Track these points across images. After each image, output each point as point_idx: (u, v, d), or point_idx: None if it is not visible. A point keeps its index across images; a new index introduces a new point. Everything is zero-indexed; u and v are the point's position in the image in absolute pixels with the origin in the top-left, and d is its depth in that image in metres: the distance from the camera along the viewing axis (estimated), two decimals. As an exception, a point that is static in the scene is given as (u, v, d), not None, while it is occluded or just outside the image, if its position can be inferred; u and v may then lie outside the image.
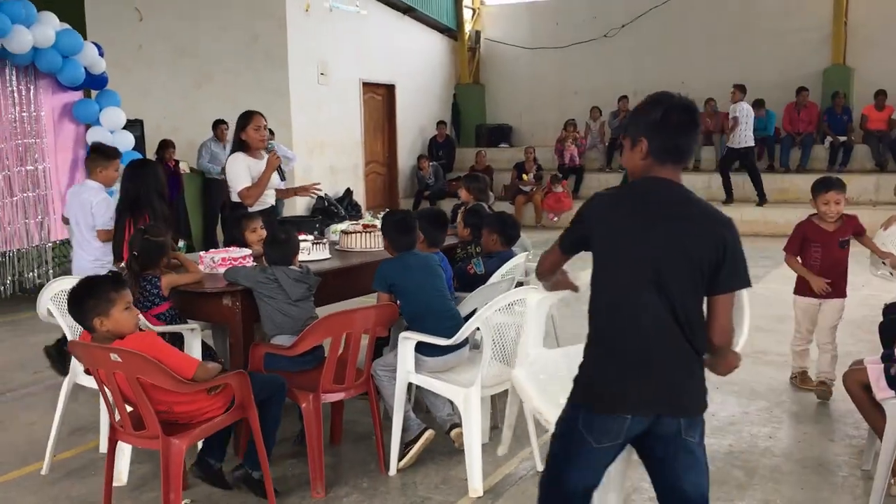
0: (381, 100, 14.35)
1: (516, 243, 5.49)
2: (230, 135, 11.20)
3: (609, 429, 2.28)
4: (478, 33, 16.53)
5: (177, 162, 10.15)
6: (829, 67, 13.73)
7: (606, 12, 15.19)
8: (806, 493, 3.71)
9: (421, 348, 3.91)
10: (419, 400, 4.33)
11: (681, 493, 2.36)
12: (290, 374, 3.78)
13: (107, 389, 3.15)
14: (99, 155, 5.32)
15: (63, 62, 7.12)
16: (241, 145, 5.30)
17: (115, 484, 3.61)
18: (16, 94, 7.09)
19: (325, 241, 4.83)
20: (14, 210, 7.27)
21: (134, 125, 8.94)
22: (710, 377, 2.42)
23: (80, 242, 5.15)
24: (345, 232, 5.16)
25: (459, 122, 16.51)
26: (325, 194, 12.43)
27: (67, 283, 3.77)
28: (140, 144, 9.09)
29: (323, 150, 12.59)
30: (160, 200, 4.57)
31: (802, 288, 5.03)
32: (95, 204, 5.08)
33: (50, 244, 7.49)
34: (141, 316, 3.76)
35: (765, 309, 7.34)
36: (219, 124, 10.97)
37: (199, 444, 3.59)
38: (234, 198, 5.32)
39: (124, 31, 11.72)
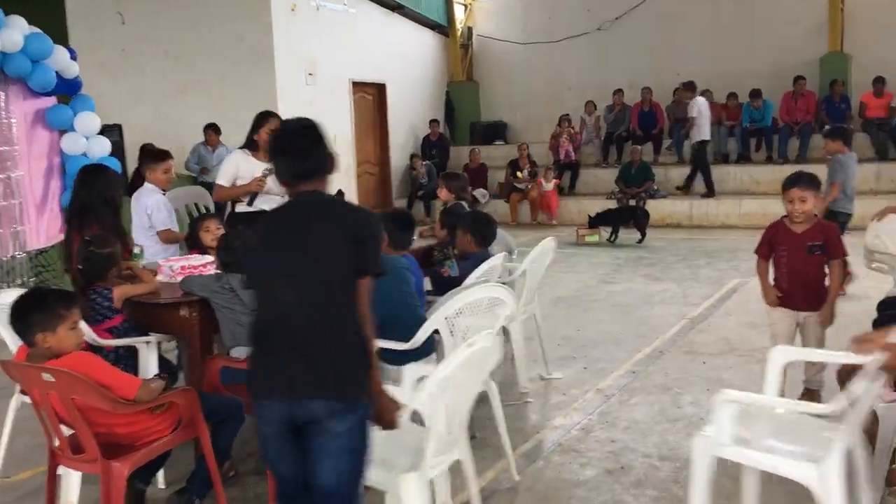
0: (371, 99, 14.14)
1: (499, 243, 5.32)
2: (223, 138, 11.17)
3: (263, 415, 2.50)
4: (469, 29, 16.31)
5: (160, 167, 9.92)
6: (826, 55, 13.46)
7: (600, 5, 14.93)
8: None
9: (386, 356, 3.71)
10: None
11: (317, 482, 2.48)
12: (249, 388, 3.59)
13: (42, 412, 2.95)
14: (146, 156, 5.38)
15: (32, 66, 6.92)
16: (251, 144, 5.26)
17: (64, 509, 3.43)
18: (-15, 101, 6.91)
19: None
20: (-13, 220, 7.09)
21: (112, 130, 8.77)
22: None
23: (144, 248, 4.99)
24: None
25: (454, 120, 16.29)
26: None
27: (12, 295, 3.56)
28: (119, 149, 8.91)
29: (313, 152, 12.37)
30: (106, 208, 4.39)
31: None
32: (150, 205, 5.07)
33: (24, 255, 7.29)
34: (89, 330, 3.58)
35: (759, 304, 7.03)
36: (208, 128, 10.79)
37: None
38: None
39: (107, 34, 11.54)
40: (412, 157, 14.26)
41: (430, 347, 3.60)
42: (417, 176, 14.07)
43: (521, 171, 13.58)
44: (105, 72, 11.49)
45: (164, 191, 5.24)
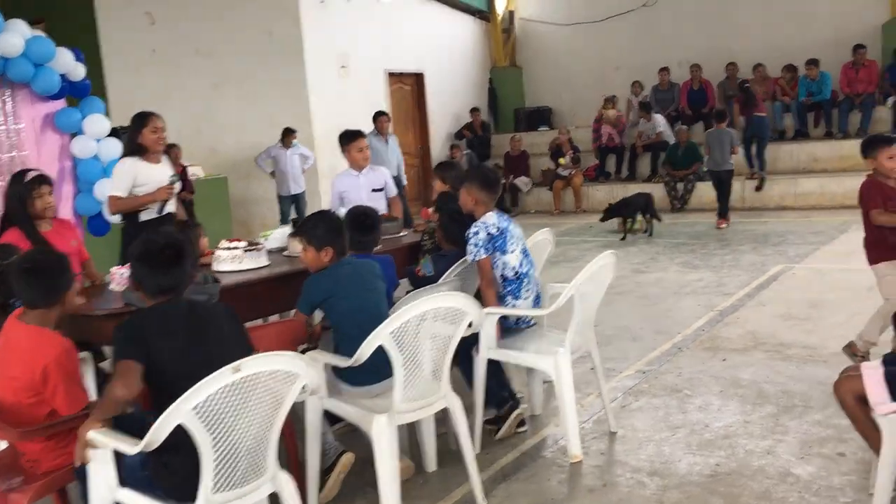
0: (409, 89, 13.85)
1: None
2: (258, 134, 11.08)
3: None
4: (511, 13, 15.82)
5: (184, 167, 9.84)
6: (888, 21, 12.51)
7: (645, -20, 14.30)
8: (794, 527, 3.07)
9: (344, 374, 3.40)
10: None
11: None
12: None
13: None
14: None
15: (35, 70, 6.84)
16: (136, 149, 4.99)
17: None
18: (-9, 107, 6.87)
19: (260, 247, 4.37)
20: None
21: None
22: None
23: None
24: (292, 235, 4.70)
25: (497, 107, 15.88)
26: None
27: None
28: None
29: (348, 145, 12.15)
30: (26, 217, 4.19)
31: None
32: None
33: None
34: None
35: (800, 293, 6.59)
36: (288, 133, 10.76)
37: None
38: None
39: (137, 35, 11.54)
40: (451, 147, 13.90)
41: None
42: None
43: (564, 158, 13.09)
44: (136, 73, 11.53)
45: None
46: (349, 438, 3.68)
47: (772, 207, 11.52)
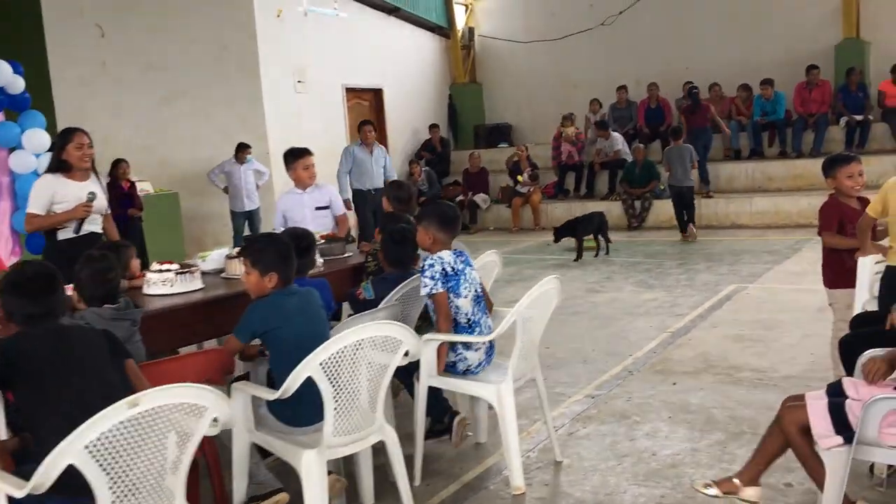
0: (367, 105, 13.74)
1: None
2: (212, 150, 10.86)
3: None
4: (471, 30, 15.81)
5: (132, 183, 9.60)
6: (841, 42, 12.70)
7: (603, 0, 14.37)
8: (739, 564, 2.97)
9: (283, 415, 3.23)
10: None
11: None
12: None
13: None
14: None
15: (-30, 83, 6.62)
16: (60, 165, 4.80)
17: None
18: (-77, 121, 6.62)
19: (194, 269, 4.19)
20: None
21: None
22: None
23: None
24: (230, 256, 4.54)
25: (457, 124, 15.82)
26: None
27: None
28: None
29: (304, 161, 11.96)
30: None
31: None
32: None
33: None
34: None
35: (752, 313, 6.55)
36: (242, 148, 10.63)
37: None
38: None
39: (86, 48, 11.26)
40: (410, 163, 13.80)
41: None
42: (416, 182, 13.58)
43: (522, 175, 13.05)
44: (85, 86, 11.25)
45: None
46: (283, 474, 3.51)
47: (727, 226, 11.56)
